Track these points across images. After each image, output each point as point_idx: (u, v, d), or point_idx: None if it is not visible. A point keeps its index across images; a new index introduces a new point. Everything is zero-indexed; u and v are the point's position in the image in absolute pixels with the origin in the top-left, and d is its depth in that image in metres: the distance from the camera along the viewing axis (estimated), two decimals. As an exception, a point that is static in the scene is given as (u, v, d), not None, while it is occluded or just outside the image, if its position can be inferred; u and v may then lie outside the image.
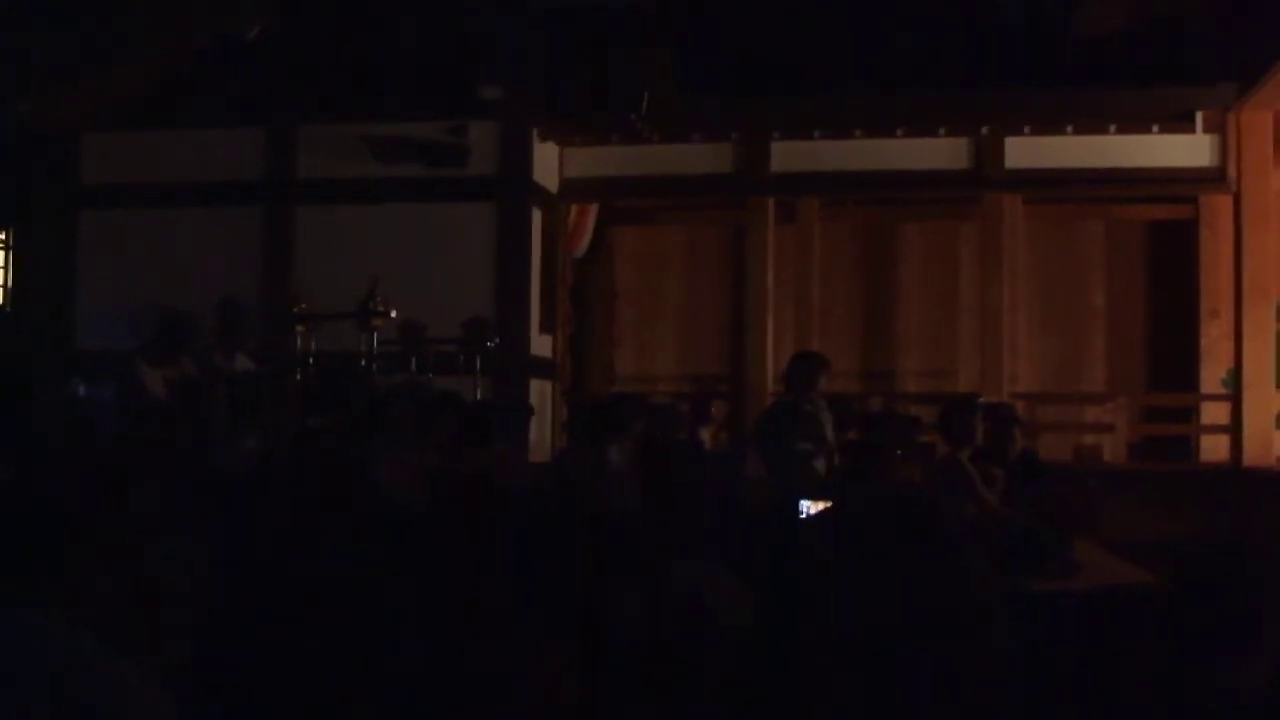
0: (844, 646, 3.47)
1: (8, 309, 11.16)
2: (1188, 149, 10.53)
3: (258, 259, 10.42)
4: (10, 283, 11.20)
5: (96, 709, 2.06)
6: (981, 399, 8.65)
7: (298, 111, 10.49)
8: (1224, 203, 10.72)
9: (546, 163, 10.88)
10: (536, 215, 10.59)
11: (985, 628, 3.32)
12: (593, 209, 11.66)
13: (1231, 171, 10.38)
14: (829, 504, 5.51)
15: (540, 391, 10.53)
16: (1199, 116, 10.47)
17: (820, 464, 7.45)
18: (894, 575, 3.57)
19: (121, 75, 10.29)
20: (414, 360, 9.13)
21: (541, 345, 10.68)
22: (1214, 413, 10.84)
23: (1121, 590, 4.94)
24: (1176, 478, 10.38)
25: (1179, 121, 10.52)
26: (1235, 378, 10.49)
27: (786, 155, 11.01)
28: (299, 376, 8.99)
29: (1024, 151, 10.74)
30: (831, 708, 3.31)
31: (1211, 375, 10.93)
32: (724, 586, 3.88)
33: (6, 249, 11.26)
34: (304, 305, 9.51)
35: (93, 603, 2.32)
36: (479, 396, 9.01)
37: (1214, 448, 10.77)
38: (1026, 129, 10.71)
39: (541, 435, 10.14)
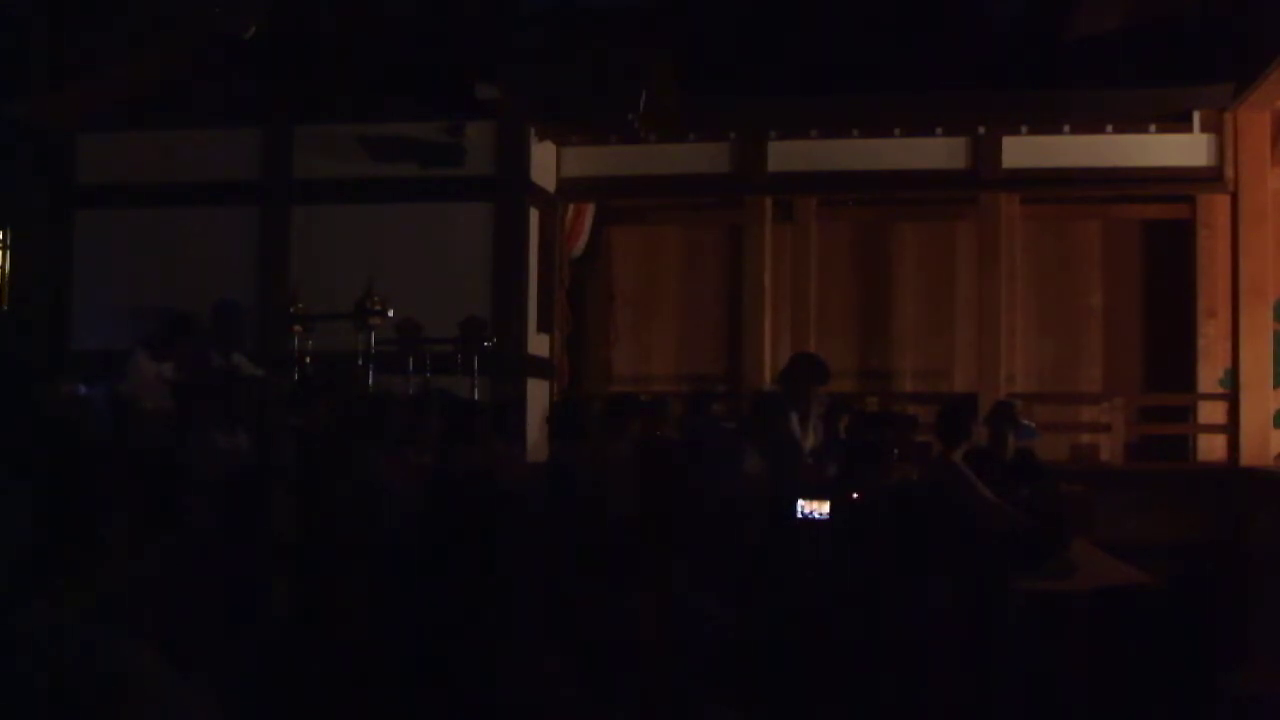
0: (845, 643, 3.46)
1: (5, 309, 11.14)
2: (1185, 148, 10.54)
3: (254, 259, 10.41)
4: (7, 283, 11.17)
5: (129, 689, 2.06)
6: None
7: (294, 111, 10.48)
8: (1221, 202, 10.73)
9: (544, 162, 10.87)
10: (534, 215, 10.58)
11: (995, 625, 3.32)
12: (590, 208, 11.65)
13: (1229, 171, 10.39)
14: (826, 504, 5.50)
15: (538, 391, 10.52)
16: (1196, 116, 10.49)
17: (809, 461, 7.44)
18: (908, 573, 3.56)
19: (118, 75, 10.27)
20: (411, 360, 9.11)
21: (539, 345, 10.67)
22: (1211, 412, 10.84)
23: (1119, 591, 4.94)
24: (1174, 477, 10.38)
25: (1176, 121, 10.54)
26: (1232, 377, 10.50)
27: (784, 155, 11.02)
28: (296, 376, 8.97)
29: (1021, 151, 10.75)
30: (831, 706, 3.30)
31: (1209, 375, 10.93)
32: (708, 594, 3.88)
33: (4, 249, 11.24)
34: (301, 305, 9.50)
35: (93, 601, 2.32)
36: (476, 396, 9.00)
37: (1211, 447, 10.77)
38: (1024, 128, 10.73)
39: (540, 435, 10.12)
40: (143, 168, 10.56)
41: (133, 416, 6.77)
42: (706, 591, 3.95)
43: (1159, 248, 11.59)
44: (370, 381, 8.82)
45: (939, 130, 10.83)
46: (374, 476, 5.28)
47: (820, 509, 5.50)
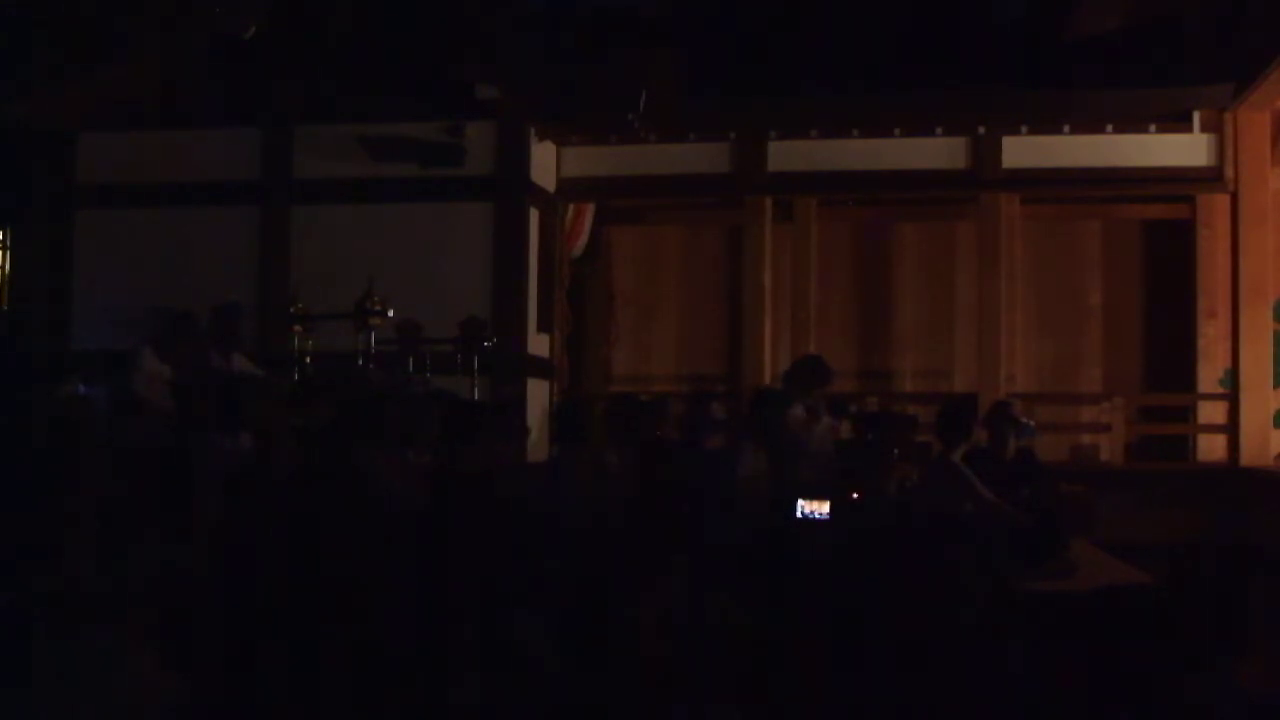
0: (840, 645, 3.46)
1: (5, 309, 11.15)
2: (1185, 148, 10.54)
3: (254, 259, 10.42)
4: (7, 283, 11.18)
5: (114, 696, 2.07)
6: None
7: (294, 111, 10.49)
8: (1221, 202, 10.73)
9: (544, 162, 10.87)
10: (534, 215, 10.58)
11: (983, 628, 3.32)
12: (590, 208, 11.65)
13: (1229, 171, 10.39)
14: (827, 504, 5.51)
15: (538, 391, 10.52)
16: (1196, 116, 10.49)
17: (814, 464, 7.44)
18: (895, 578, 3.56)
19: (118, 75, 10.27)
20: (411, 360, 9.11)
21: (539, 345, 10.67)
22: (1211, 412, 10.84)
23: (1119, 590, 4.94)
24: (1174, 477, 10.39)
25: (1176, 121, 10.54)
26: (1232, 377, 10.50)
27: (784, 155, 11.02)
28: (296, 376, 8.97)
29: (1021, 151, 10.75)
30: (827, 706, 3.30)
31: (1209, 375, 10.93)
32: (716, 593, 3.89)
33: (4, 249, 11.25)
34: (301, 305, 9.50)
35: (87, 600, 2.32)
36: (476, 396, 9.00)
37: (1211, 447, 10.77)
38: (1024, 128, 10.73)
39: (540, 435, 10.13)
40: (143, 168, 10.56)
41: (144, 411, 6.79)
42: (708, 591, 3.95)
43: (1159, 248, 11.59)
44: (369, 381, 8.81)
45: (939, 130, 10.82)
46: (374, 476, 5.28)
47: (820, 509, 5.51)
